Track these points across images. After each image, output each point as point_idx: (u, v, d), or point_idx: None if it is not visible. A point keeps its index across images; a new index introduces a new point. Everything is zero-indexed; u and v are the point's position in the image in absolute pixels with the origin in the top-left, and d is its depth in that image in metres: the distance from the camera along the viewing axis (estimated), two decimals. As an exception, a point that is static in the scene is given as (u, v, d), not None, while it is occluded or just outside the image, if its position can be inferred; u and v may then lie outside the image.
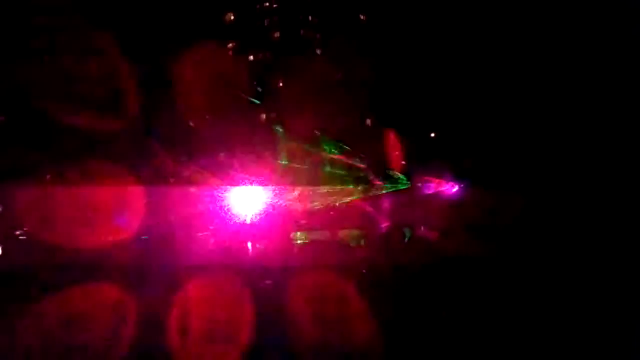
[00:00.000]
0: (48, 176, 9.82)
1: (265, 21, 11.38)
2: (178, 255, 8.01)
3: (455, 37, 10.64)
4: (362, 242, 8.87)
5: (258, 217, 9.82)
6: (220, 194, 9.87)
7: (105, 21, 9.76)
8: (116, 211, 9.01)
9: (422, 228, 9.75)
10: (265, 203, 10.32)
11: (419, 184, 11.43)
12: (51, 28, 9.55)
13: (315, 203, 10.97)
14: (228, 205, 9.79)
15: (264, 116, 11.22)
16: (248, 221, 9.62)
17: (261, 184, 10.17)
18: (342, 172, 11.13)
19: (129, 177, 9.72)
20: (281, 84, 11.34)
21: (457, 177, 11.45)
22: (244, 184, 10.32)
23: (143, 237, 6.98)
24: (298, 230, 10.19)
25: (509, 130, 10.27)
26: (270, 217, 9.45)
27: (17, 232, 8.33)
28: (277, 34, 11.50)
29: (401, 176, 11.37)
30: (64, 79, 9.74)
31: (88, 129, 9.63)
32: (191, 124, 10.15)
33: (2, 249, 6.78)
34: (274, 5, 11.39)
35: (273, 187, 10.56)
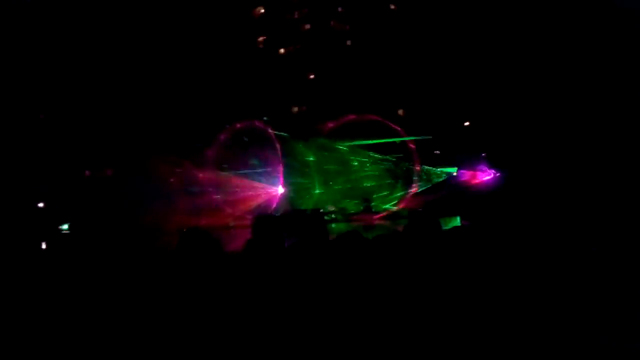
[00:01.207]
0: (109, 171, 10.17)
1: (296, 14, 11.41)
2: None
3: (490, 31, 10.51)
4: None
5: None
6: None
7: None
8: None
9: (459, 218, 9.69)
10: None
11: (456, 174, 11.34)
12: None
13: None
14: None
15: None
16: None
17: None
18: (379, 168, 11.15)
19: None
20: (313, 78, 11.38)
21: (493, 167, 11.31)
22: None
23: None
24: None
25: (545, 119, 10.10)
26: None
27: (61, 227, 8.63)
28: (307, 27, 11.51)
29: (435, 169, 11.30)
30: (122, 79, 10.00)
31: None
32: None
33: (46, 244, 7.03)
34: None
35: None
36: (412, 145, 10.89)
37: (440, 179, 11.04)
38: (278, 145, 10.30)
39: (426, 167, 11.09)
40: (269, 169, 10.33)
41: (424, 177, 11.02)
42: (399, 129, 10.82)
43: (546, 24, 10.02)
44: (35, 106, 9.67)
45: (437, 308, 3.44)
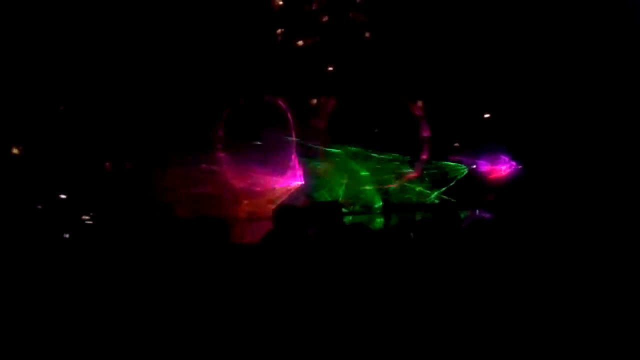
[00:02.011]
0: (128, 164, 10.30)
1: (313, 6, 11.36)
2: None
3: (511, 23, 10.38)
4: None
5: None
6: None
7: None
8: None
9: (477, 211, 9.60)
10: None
11: (474, 166, 11.24)
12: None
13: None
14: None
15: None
16: None
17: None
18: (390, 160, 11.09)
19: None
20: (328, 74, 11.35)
21: (511, 159, 11.18)
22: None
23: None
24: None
25: (562, 112, 9.97)
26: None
27: (84, 218, 8.76)
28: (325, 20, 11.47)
29: (451, 163, 11.22)
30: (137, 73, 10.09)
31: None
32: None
33: (70, 235, 7.13)
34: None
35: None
36: (426, 134, 10.79)
37: (459, 174, 10.94)
38: (295, 138, 10.32)
39: (443, 162, 11.01)
40: (286, 161, 10.35)
41: (437, 172, 10.93)
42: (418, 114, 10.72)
43: (571, 16, 9.87)
44: (55, 98, 9.79)
45: (451, 302, 3.42)
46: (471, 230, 3.92)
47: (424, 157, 10.80)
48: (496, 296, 3.42)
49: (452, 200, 10.46)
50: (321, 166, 10.45)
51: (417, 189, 10.81)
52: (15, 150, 9.53)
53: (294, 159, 10.36)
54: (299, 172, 10.38)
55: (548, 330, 3.20)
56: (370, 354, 3.11)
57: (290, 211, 4.18)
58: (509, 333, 3.20)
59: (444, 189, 10.81)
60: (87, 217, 8.83)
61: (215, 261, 3.71)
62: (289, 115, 10.45)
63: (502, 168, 11.07)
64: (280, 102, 10.45)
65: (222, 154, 10.16)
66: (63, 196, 9.29)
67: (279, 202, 9.68)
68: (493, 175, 11.02)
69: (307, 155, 10.45)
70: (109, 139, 9.82)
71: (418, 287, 3.46)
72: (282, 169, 10.38)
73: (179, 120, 9.88)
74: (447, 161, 11.00)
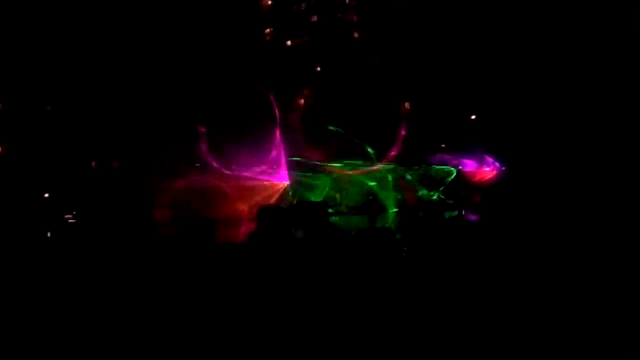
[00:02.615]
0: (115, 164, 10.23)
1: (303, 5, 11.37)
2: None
3: (499, 24, 10.45)
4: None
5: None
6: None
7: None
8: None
9: (463, 212, 9.66)
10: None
11: (459, 167, 11.31)
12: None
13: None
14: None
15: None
16: None
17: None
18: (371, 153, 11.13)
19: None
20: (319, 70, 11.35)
21: (497, 159, 11.27)
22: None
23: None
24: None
25: (550, 111, 10.05)
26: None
27: (67, 216, 8.68)
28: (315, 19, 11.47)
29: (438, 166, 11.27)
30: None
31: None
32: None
33: (51, 234, 7.07)
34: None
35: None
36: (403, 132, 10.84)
37: (449, 177, 11.00)
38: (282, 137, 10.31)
39: (433, 166, 11.07)
40: (273, 162, 10.34)
41: (426, 174, 10.98)
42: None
43: (557, 17, 9.95)
44: (42, 97, 9.70)
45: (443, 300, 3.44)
46: (456, 230, 3.95)
47: (393, 152, 10.85)
48: (480, 295, 3.44)
49: (449, 201, 10.50)
50: (317, 180, 10.48)
51: (421, 192, 10.87)
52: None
53: (282, 158, 10.36)
54: (286, 172, 10.38)
55: (531, 326, 3.23)
56: (357, 350, 3.11)
57: (273, 211, 4.18)
58: (492, 330, 3.22)
59: (441, 189, 10.85)
60: (69, 216, 8.76)
61: (200, 259, 3.70)
62: (276, 111, 10.44)
63: (487, 169, 11.15)
64: (270, 96, 10.44)
65: (206, 150, 10.12)
66: (46, 195, 9.21)
67: (268, 202, 9.66)
68: (478, 177, 11.10)
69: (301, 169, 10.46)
70: (95, 137, 9.75)
71: (403, 286, 3.48)
72: (270, 167, 10.36)
73: (165, 117, 9.83)
74: (431, 161, 11.06)
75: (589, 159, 9.29)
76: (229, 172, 10.07)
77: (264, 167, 10.38)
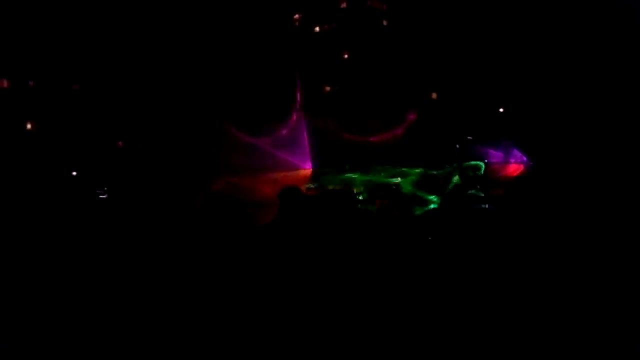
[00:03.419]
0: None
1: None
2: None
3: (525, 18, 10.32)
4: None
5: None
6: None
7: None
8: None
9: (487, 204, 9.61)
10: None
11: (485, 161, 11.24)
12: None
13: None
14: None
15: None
16: None
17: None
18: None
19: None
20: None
21: (523, 154, 11.17)
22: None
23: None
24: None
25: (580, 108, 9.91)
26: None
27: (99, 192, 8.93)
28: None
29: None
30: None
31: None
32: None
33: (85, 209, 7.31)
34: None
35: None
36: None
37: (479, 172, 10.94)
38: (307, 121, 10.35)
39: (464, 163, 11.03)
40: (297, 146, 10.41)
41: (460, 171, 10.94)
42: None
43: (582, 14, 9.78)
44: (71, 77, 9.91)
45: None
46: (474, 220, 3.97)
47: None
48: (493, 290, 3.48)
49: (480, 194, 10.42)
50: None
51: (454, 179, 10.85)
52: (29, 126, 9.69)
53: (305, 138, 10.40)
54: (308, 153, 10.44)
55: (543, 324, 3.26)
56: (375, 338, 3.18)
57: (294, 194, 4.20)
58: (503, 326, 3.26)
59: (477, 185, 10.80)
60: (101, 192, 9.00)
61: (224, 242, 3.79)
62: (299, 93, 10.46)
63: (514, 162, 11.06)
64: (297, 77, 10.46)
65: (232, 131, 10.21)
66: (74, 173, 9.44)
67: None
68: (505, 170, 11.02)
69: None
70: (122, 118, 9.94)
71: (420, 277, 3.53)
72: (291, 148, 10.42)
73: (191, 105, 9.96)
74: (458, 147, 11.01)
75: (614, 156, 9.16)
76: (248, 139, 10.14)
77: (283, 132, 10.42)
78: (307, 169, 10.64)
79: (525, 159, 11.10)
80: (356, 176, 10.42)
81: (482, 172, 10.74)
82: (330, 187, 10.16)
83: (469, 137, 11.46)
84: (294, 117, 10.40)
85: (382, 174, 10.52)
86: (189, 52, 10.12)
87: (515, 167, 11.19)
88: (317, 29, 11.10)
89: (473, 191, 9.96)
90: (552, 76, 10.01)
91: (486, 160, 11.11)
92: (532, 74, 10.19)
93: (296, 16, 11.15)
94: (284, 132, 10.36)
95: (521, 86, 10.35)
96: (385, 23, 11.13)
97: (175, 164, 9.39)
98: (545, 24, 9.84)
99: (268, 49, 10.48)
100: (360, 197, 10.44)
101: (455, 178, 10.40)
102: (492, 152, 11.28)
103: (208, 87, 10.24)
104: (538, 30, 10.04)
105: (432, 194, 9.99)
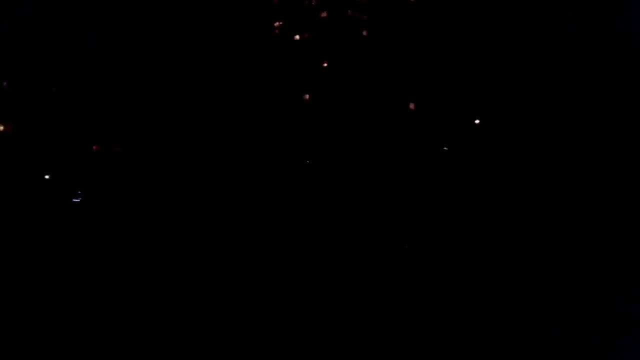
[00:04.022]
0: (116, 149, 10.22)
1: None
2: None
3: (503, 26, 10.48)
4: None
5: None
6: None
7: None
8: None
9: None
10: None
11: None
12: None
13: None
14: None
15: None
16: None
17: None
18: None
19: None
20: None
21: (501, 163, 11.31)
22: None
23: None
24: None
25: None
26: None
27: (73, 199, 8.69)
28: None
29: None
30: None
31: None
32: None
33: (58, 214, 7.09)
34: None
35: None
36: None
37: None
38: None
39: None
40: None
41: None
42: None
43: (559, 21, 9.98)
44: (47, 79, 9.69)
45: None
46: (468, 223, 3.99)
47: None
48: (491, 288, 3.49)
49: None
50: None
51: None
52: (0, 127, 9.41)
53: None
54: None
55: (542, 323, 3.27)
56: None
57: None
58: (500, 327, 3.26)
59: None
60: (75, 198, 8.78)
61: (208, 241, 3.75)
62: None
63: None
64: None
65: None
66: (47, 177, 9.18)
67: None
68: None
69: None
70: (98, 121, 9.74)
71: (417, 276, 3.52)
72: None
73: (168, 110, 9.82)
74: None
75: (600, 158, 9.32)
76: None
77: None
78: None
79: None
80: None
81: None
82: None
83: (444, 148, 11.58)
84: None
85: None
86: (166, 57, 10.01)
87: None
88: (297, 37, 11.12)
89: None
90: (532, 84, 10.19)
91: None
92: (509, 87, 10.37)
93: (276, 24, 11.15)
94: None
95: (499, 98, 10.52)
96: (365, 33, 11.22)
97: (153, 168, 9.24)
98: (522, 40, 10.04)
99: (248, 56, 10.45)
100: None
101: None
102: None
103: (186, 92, 10.13)
104: (513, 44, 10.25)
105: None
